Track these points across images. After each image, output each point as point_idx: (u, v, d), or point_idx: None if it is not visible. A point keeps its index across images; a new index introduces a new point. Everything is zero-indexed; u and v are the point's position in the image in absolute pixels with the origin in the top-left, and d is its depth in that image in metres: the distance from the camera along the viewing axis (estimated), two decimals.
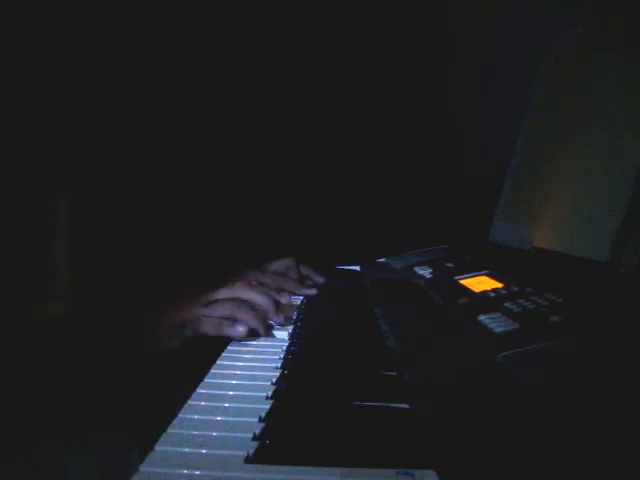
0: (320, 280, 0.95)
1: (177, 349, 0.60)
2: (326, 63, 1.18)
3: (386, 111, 1.20)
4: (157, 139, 0.98)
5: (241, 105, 1.14)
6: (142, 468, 0.33)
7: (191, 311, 0.62)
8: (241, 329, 0.60)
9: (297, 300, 0.83)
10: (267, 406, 0.42)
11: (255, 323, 0.62)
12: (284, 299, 0.72)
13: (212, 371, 0.51)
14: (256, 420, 0.40)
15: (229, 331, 0.60)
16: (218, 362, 0.54)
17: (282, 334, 0.64)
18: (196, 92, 1.08)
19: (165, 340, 0.61)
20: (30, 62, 0.68)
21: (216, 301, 0.63)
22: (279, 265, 0.90)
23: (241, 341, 0.61)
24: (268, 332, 0.64)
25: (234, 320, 0.61)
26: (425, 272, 0.83)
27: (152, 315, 0.63)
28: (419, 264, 0.90)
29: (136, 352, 0.61)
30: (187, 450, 0.36)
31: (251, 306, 0.64)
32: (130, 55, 0.90)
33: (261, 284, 0.77)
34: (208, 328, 0.60)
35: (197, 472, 0.33)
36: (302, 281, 0.91)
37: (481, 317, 0.51)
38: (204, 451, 0.36)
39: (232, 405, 0.43)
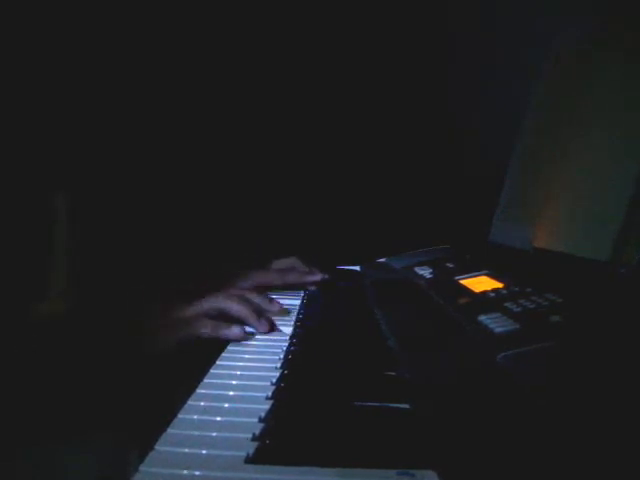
0: (324, 277, 0.95)
1: (174, 351, 0.60)
2: (326, 63, 1.18)
3: (386, 111, 1.21)
4: (161, 139, 0.98)
5: (242, 106, 1.14)
6: (142, 468, 0.33)
7: (181, 309, 0.61)
8: (237, 330, 0.60)
9: (296, 301, 0.83)
10: (267, 406, 0.42)
11: (246, 312, 0.63)
12: (274, 307, 0.71)
13: (212, 371, 0.51)
14: (256, 420, 0.40)
15: (225, 333, 0.60)
16: (218, 362, 0.54)
17: (287, 330, 0.65)
18: (198, 91, 1.08)
19: (155, 341, 0.60)
20: (31, 62, 0.68)
21: (200, 298, 0.63)
22: (283, 264, 0.90)
23: (241, 341, 0.61)
24: (264, 326, 0.64)
25: (227, 317, 0.61)
26: (425, 272, 0.83)
27: (148, 314, 0.62)
28: (419, 264, 0.90)
29: (133, 352, 0.61)
30: (187, 450, 0.36)
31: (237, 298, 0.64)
32: (130, 55, 0.90)
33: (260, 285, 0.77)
34: (203, 330, 0.59)
35: (197, 472, 0.33)
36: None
37: (481, 317, 0.51)
38: (204, 451, 0.36)
39: (232, 405, 0.43)
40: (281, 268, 0.89)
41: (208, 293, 0.64)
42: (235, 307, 0.63)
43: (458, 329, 0.53)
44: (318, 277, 0.86)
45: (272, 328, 0.65)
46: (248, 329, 0.63)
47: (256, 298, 0.68)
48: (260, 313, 0.65)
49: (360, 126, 1.21)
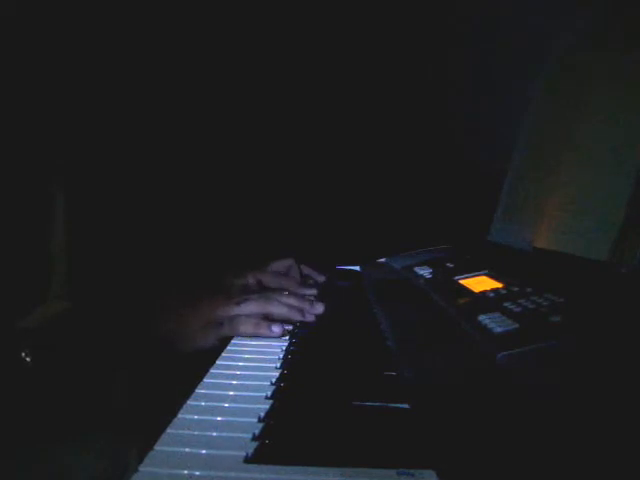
0: (321, 279, 0.95)
1: (213, 347, 0.62)
2: (327, 63, 1.18)
3: (386, 111, 1.20)
4: (159, 139, 0.98)
5: (242, 105, 1.14)
6: (142, 468, 0.33)
7: (225, 308, 0.64)
8: (277, 329, 0.63)
9: None
10: (267, 406, 0.42)
11: (289, 313, 0.66)
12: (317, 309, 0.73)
13: (212, 371, 0.51)
14: (256, 420, 0.40)
15: (266, 331, 0.62)
16: (218, 362, 0.54)
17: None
18: (198, 91, 1.08)
19: (199, 338, 0.63)
20: (33, 62, 0.68)
21: (246, 299, 0.66)
22: (279, 266, 0.90)
23: (241, 340, 0.61)
24: (305, 315, 0.68)
25: (268, 318, 0.64)
26: (425, 272, 0.83)
27: (183, 311, 0.65)
28: (419, 264, 0.90)
29: (162, 350, 0.62)
30: (187, 450, 0.36)
31: (280, 299, 0.67)
32: (131, 54, 0.90)
33: (260, 283, 0.78)
34: (245, 329, 0.63)
35: (197, 472, 0.33)
36: (303, 281, 0.90)
37: (481, 317, 0.51)
38: (204, 451, 0.36)
39: (232, 405, 0.43)
40: (278, 271, 0.88)
41: (247, 293, 0.68)
42: (278, 308, 0.66)
43: (458, 329, 0.53)
44: (313, 291, 0.83)
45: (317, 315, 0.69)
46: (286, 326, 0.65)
47: (295, 300, 0.70)
48: (301, 311, 0.69)
49: (360, 126, 1.21)
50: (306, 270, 0.94)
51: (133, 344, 0.61)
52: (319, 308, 0.70)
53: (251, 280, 0.78)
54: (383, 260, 1.11)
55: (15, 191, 0.65)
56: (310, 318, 0.68)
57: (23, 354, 0.54)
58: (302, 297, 0.73)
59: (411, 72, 1.19)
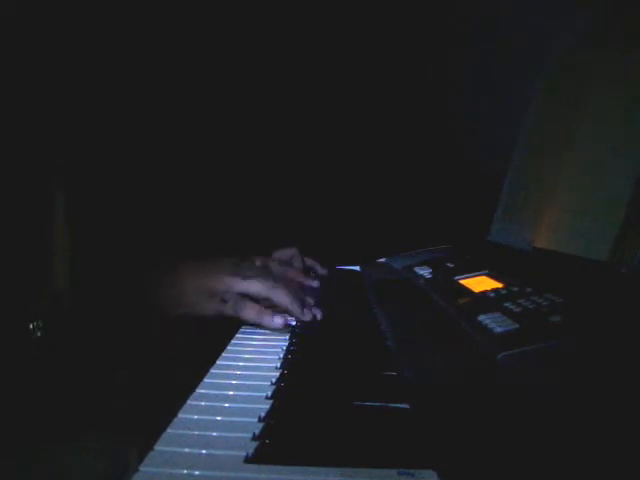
0: (323, 271, 0.95)
1: (212, 319, 0.62)
2: (328, 63, 1.18)
3: (386, 111, 1.21)
4: (161, 135, 0.98)
5: (245, 103, 1.14)
6: (142, 468, 0.33)
7: (230, 280, 0.63)
8: (279, 321, 0.62)
9: None
10: (267, 406, 0.42)
11: (291, 305, 0.64)
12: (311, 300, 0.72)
13: (212, 371, 0.51)
14: (256, 420, 0.40)
15: (268, 321, 0.62)
16: (218, 362, 0.54)
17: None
18: (198, 87, 1.08)
19: (198, 304, 0.62)
20: (32, 61, 0.68)
21: (253, 276, 0.64)
22: (283, 254, 0.90)
23: (243, 339, 0.61)
24: (304, 312, 0.66)
25: (271, 305, 0.64)
26: (425, 272, 0.83)
27: (182, 275, 0.64)
28: (419, 264, 0.90)
29: (159, 313, 0.61)
30: (187, 450, 0.36)
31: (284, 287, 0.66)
32: (131, 54, 0.90)
33: (266, 267, 0.78)
34: (248, 314, 0.62)
35: (197, 472, 0.33)
36: (306, 271, 0.90)
37: (481, 317, 0.51)
38: (204, 451, 0.36)
39: (232, 405, 0.43)
40: (282, 259, 0.88)
41: (254, 271, 0.66)
42: (281, 297, 0.65)
43: (458, 329, 0.53)
44: (315, 284, 0.83)
45: (314, 318, 0.67)
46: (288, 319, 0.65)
47: (300, 292, 0.69)
48: (303, 303, 0.67)
49: (360, 126, 1.21)
50: (309, 262, 0.94)
51: (132, 319, 0.61)
52: (317, 312, 0.69)
53: (258, 263, 0.77)
54: (383, 260, 1.11)
55: (15, 191, 0.65)
56: (308, 316, 0.67)
57: (24, 353, 0.54)
58: (305, 291, 0.72)
59: (411, 72, 1.19)
